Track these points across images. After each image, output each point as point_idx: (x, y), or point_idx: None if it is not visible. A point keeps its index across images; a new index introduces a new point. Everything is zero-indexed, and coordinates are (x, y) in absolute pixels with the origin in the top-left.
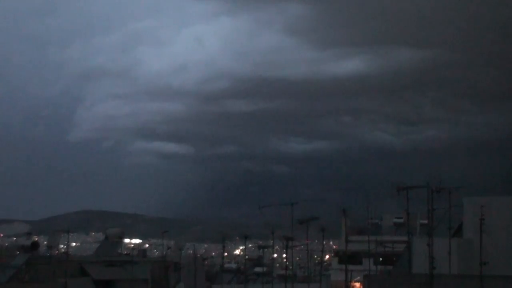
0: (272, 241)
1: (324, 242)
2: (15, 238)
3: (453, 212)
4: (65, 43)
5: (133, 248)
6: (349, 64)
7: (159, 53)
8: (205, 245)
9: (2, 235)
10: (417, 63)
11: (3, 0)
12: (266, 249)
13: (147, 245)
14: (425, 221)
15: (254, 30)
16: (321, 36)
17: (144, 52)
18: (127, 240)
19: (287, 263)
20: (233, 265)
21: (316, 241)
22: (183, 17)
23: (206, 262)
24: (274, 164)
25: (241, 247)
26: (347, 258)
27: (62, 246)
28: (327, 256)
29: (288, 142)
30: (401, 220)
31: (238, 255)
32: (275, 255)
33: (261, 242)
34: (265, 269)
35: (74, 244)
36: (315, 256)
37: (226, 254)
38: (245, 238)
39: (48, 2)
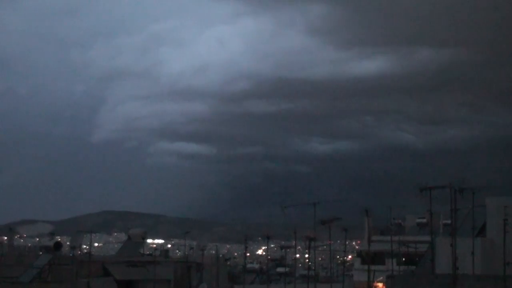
0: (294, 241)
1: (347, 242)
2: (38, 239)
3: (476, 212)
4: (88, 44)
5: (155, 249)
6: (371, 64)
7: (181, 54)
8: (228, 246)
9: (25, 235)
10: (439, 63)
11: (28, 2)
12: (288, 249)
13: (169, 246)
14: (448, 221)
15: (276, 31)
16: (343, 37)
17: (166, 53)
18: (149, 241)
19: (310, 263)
20: (256, 266)
21: (339, 241)
22: (206, 18)
23: (228, 263)
24: (296, 164)
25: (263, 247)
26: (370, 259)
27: (85, 246)
28: (350, 257)
29: (310, 142)
30: (424, 220)
31: (261, 255)
32: (298, 255)
33: (283, 242)
34: (287, 269)
35: (96, 244)
36: (338, 257)
37: (248, 254)
38: (267, 239)
39: (72, 3)
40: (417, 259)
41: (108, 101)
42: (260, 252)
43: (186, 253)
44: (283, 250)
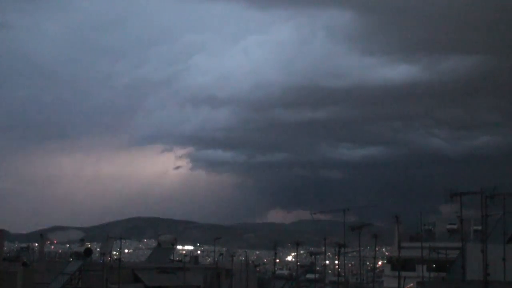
0: (324, 248)
1: (377, 249)
2: (68, 245)
3: (507, 218)
4: (122, 55)
5: (185, 255)
6: (400, 70)
7: (211, 62)
8: (257, 252)
9: (56, 241)
10: (468, 69)
11: (74, 14)
12: (318, 256)
13: (199, 252)
14: (479, 227)
15: (304, 38)
16: (371, 43)
17: (197, 61)
18: (179, 247)
19: (339, 269)
20: (285, 272)
21: (369, 247)
22: (237, 28)
23: (258, 269)
24: (326, 170)
25: (293, 254)
26: (400, 265)
27: (115, 252)
28: (380, 263)
29: (338, 148)
30: (455, 226)
31: (290, 261)
32: (327, 262)
33: (313, 248)
34: (317, 275)
35: (126, 250)
36: (368, 263)
37: (278, 260)
38: (297, 245)
39: (117, 15)
40: (447, 265)
41: (140, 108)
42: (289, 258)
43: (216, 259)
44: (313, 256)
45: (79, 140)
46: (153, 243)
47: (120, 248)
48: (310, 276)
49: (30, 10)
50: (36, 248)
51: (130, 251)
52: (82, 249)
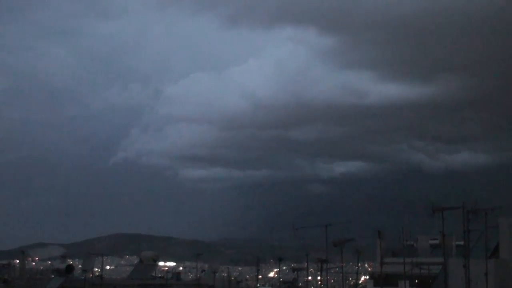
0: (306, 263)
1: (359, 264)
2: (50, 262)
3: (489, 233)
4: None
5: (167, 271)
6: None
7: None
8: (239, 268)
9: (37, 258)
10: (453, 88)
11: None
12: (300, 272)
13: (181, 268)
14: (461, 242)
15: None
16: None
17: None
18: (161, 263)
19: (322, 285)
20: None
21: (351, 263)
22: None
23: (240, 285)
24: (307, 185)
25: (275, 270)
26: (382, 281)
27: (97, 269)
28: (362, 278)
29: (321, 164)
30: (437, 241)
31: (273, 277)
32: (310, 278)
33: (295, 264)
34: None
35: (108, 267)
36: (350, 278)
37: (260, 276)
38: (279, 261)
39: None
40: (430, 280)
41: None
42: (272, 274)
43: (198, 275)
44: (295, 272)
45: None
46: (134, 259)
47: (102, 265)
48: None
49: None
50: (17, 265)
51: (112, 267)
52: (63, 266)
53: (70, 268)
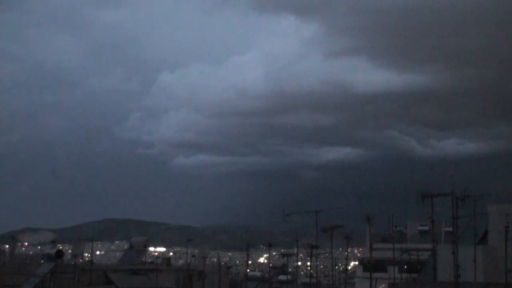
0: (296, 249)
1: (349, 250)
2: (39, 247)
3: (478, 219)
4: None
5: (157, 257)
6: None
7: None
8: (230, 254)
9: (27, 243)
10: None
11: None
12: (290, 257)
13: (171, 254)
14: (450, 229)
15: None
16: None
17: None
18: (151, 249)
19: (312, 271)
20: (258, 273)
21: (341, 249)
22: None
23: (230, 271)
24: (298, 171)
25: (265, 255)
26: (371, 266)
27: (87, 254)
28: (352, 264)
29: (311, 149)
30: (426, 228)
31: (263, 263)
32: (300, 263)
33: (285, 250)
34: (289, 277)
35: (98, 252)
36: (340, 264)
37: (250, 262)
38: (269, 246)
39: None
40: (419, 266)
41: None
42: (262, 260)
43: (188, 261)
44: (285, 258)
45: None
46: (125, 245)
47: (92, 250)
48: (282, 277)
49: None
50: (7, 250)
51: (102, 253)
52: (53, 251)
53: (60, 254)
